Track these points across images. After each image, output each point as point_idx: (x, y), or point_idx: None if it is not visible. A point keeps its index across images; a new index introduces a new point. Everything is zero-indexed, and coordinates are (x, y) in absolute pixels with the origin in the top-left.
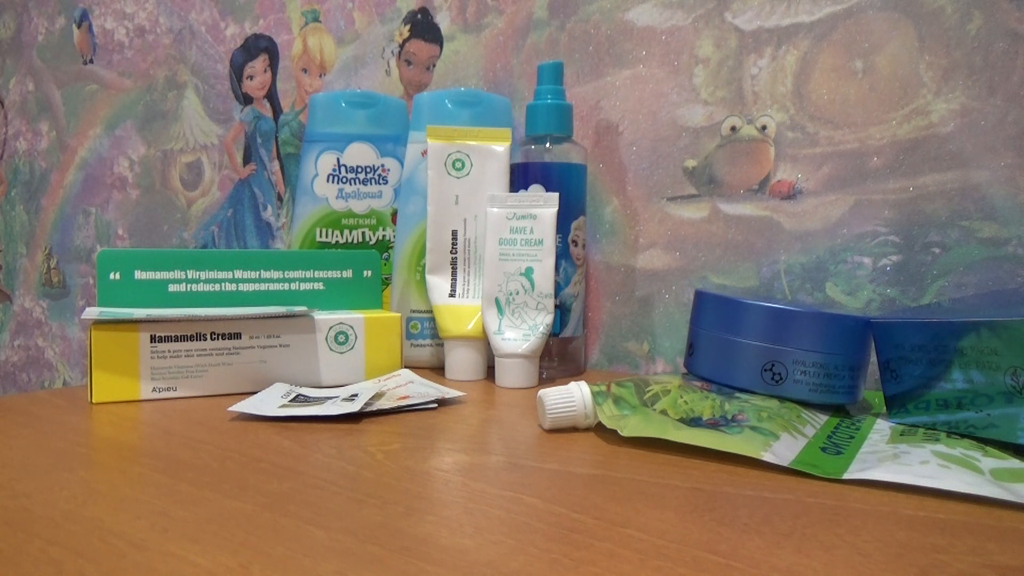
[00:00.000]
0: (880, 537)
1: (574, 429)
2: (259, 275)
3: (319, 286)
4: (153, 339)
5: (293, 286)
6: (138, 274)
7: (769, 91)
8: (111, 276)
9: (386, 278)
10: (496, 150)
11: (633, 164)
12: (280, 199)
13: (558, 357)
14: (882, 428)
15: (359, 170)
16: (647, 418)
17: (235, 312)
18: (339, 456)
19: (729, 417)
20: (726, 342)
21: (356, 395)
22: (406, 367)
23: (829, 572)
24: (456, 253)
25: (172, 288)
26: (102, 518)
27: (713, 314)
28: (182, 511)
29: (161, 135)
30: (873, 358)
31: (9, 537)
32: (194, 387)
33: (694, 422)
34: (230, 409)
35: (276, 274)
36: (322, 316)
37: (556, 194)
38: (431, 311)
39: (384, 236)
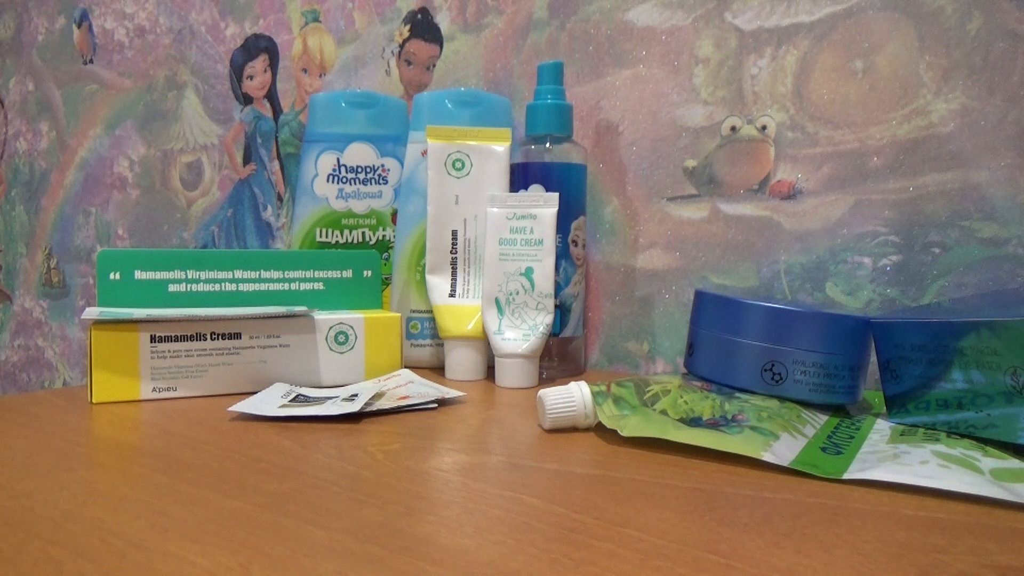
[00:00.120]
0: (880, 537)
1: (574, 429)
2: (259, 275)
3: (319, 286)
4: (153, 339)
5: (293, 286)
6: (138, 274)
7: (769, 91)
8: (111, 276)
9: (386, 278)
10: (496, 150)
11: (633, 164)
12: (280, 199)
13: (558, 357)
14: (882, 428)
15: (359, 170)
16: (647, 418)
17: (235, 312)
18: (339, 456)
19: (729, 417)
20: (726, 342)
21: (356, 395)
22: (406, 367)
23: (829, 572)
24: (456, 253)
25: (172, 288)
26: (102, 518)
27: (713, 314)
28: (182, 511)
29: (161, 135)
30: (873, 358)
31: (9, 537)
32: (194, 387)
33: (694, 422)
34: (230, 409)
35: (276, 274)
36: (322, 316)
37: (556, 194)
38: (431, 311)
39: (384, 236)
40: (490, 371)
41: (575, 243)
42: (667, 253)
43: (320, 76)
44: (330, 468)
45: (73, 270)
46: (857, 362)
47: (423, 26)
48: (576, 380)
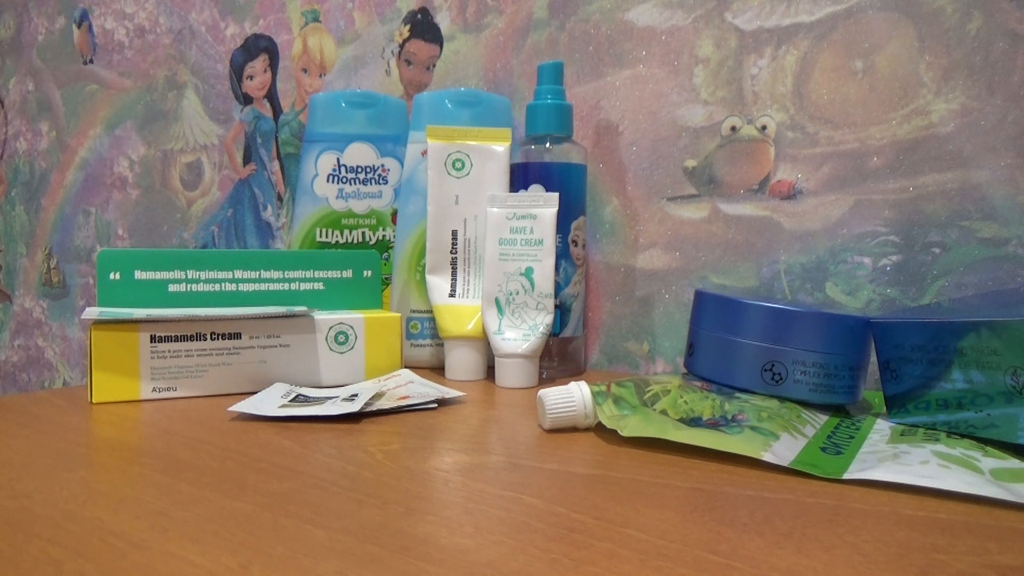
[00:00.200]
0: (880, 537)
1: (574, 429)
2: (259, 275)
3: (319, 286)
4: (153, 339)
5: (293, 286)
6: (138, 274)
7: (769, 91)
8: (111, 276)
9: (386, 278)
10: (496, 150)
11: (633, 164)
12: (280, 199)
13: (558, 357)
14: (882, 428)
15: (359, 170)
16: (647, 418)
17: (235, 312)
18: (339, 456)
19: (729, 417)
20: (726, 342)
21: (356, 395)
22: (406, 367)
23: (829, 572)
24: (456, 253)
25: (172, 288)
26: (102, 518)
27: (713, 314)
28: (182, 511)
29: (161, 135)
30: (873, 358)
31: (9, 537)
32: (194, 387)
33: (694, 422)
34: (230, 409)
35: (276, 274)
36: (322, 316)
37: (556, 194)
38: (431, 311)
39: (384, 236)
40: (490, 371)
41: (575, 243)
42: (667, 253)
43: (320, 76)
44: (330, 468)
45: (73, 270)
46: (857, 362)
47: (423, 26)
48: (576, 380)
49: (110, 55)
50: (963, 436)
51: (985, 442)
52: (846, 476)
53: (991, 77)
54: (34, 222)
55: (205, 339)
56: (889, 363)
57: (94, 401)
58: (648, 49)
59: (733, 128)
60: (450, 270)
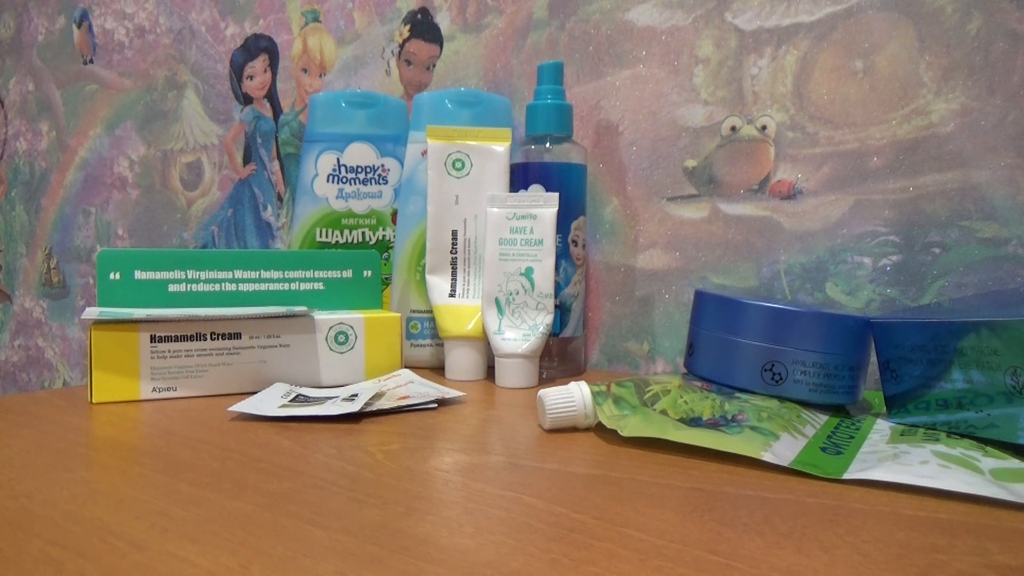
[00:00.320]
0: (880, 537)
1: (574, 429)
2: (259, 275)
3: (319, 286)
4: (153, 339)
5: (293, 286)
6: (138, 274)
7: (769, 91)
8: (111, 276)
9: (386, 278)
10: (496, 150)
11: (633, 164)
12: (280, 199)
13: (558, 357)
14: (882, 428)
15: (359, 170)
16: (647, 418)
17: (235, 312)
18: (339, 456)
19: (729, 417)
20: (726, 342)
21: (356, 395)
22: (406, 367)
23: (829, 572)
24: (456, 253)
25: (172, 288)
26: (102, 518)
27: (713, 314)
28: (182, 511)
29: (161, 135)
30: (873, 358)
31: (9, 537)
32: (194, 387)
33: (694, 422)
34: (230, 409)
35: (276, 274)
36: (322, 316)
37: (556, 194)
38: (431, 311)
39: (384, 236)
40: (490, 371)
41: (575, 243)
42: (667, 253)
43: (320, 76)
44: (330, 468)
45: (73, 270)
46: (857, 362)
47: (423, 26)
48: (576, 380)
49: (110, 55)
50: (963, 436)
51: (985, 442)
52: (846, 476)
53: (991, 77)
54: (34, 222)
55: (205, 339)
56: (889, 363)
57: (94, 401)
58: (648, 49)
59: (733, 128)
60: (450, 270)
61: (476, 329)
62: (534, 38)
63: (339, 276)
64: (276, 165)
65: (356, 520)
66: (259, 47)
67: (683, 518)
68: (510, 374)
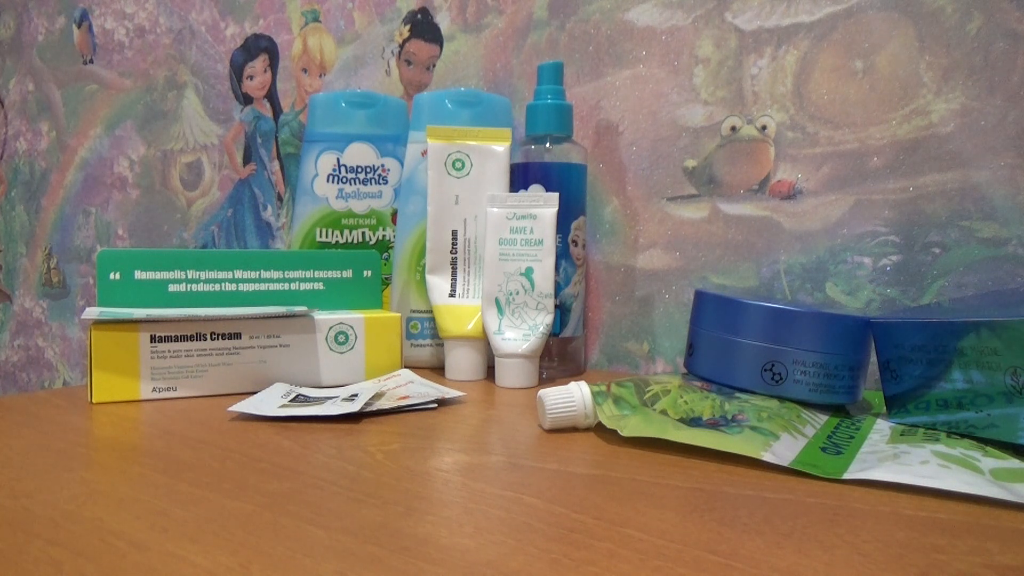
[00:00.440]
0: (880, 537)
1: (574, 429)
2: (259, 275)
3: (319, 286)
4: (153, 339)
5: (293, 286)
6: (138, 274)
7: (769, 91)
8: (111, 276)
9: (386, 278)
10: (496, 150)
11: (633, 164)
12: (280, 199)
13: (558, 357)
14: (882, 428)
15: (359, 170)
16: (647, 418)
17: (235, 312)
18: (339, 456)
19: (729, 417)
20: (726, 342)
21: (356, 395)
22: (406, 367)
23: (829, 572)
24: (456, 253)
25: (172, 288)
26: (102, 518)
27: (713, 314)
28: (182, 511)
29: (161, 135)
30: (873, 358)
31: (9, 537)
32: (194, 387)
33: (694, 422)
34: (230, 409)
35: (276, 274)
36: (322, 316)
37: (556, 194)
38: (431, 311)
39: (384, 236)
40: (490, 371)
41: (575, 243)
42: (667, 253)
43: (320, 76)
44: (330, 468)
45: (73, 270)
46: (857, 362)
47: (423, 26)
48: (576, 380)
49: (110, 55)
50: (963, 436)
51: (985, 442)
52: (846, 476)
53: (991, 77)
54: (34, 222)
55: (205, 339)
56: (889, 363)
57: (94, 401)
58: (648, 49)
59: (733, 128)
60: (450, 270)
61: (476, 329)
62: (534, 38)
63: (339, 276)
64: (276, 165)
65: (356, 520)
66: (259, 47)
67: (683, 518)
68: (510, 374)
